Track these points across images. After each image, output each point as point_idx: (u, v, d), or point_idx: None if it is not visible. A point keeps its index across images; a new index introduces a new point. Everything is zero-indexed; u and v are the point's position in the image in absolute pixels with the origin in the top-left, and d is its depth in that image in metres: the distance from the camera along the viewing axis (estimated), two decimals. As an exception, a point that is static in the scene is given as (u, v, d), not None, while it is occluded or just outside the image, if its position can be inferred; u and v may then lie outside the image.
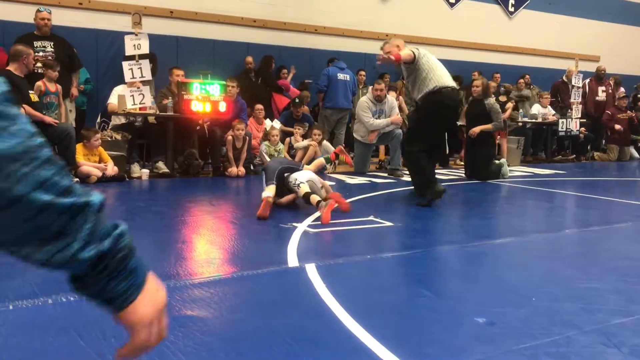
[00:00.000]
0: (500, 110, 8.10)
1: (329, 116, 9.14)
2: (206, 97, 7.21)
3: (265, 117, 8.85)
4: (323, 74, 9.21)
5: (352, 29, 11.26)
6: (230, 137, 7.48)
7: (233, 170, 7.41)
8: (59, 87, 6.64)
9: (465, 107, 8.26)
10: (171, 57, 9.16)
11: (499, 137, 9.91)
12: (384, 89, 7.87)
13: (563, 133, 10.93)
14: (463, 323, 2.43)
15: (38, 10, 6.94)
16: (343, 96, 8.92)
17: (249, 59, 9.70)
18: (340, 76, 9.07)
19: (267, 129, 8.15)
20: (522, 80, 12.00)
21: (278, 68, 10.07)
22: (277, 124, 8.52)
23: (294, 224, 4.35)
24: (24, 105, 5.81)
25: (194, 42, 9.68)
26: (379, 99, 7.84)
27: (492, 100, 8.02)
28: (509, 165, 9.89)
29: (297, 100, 8.82)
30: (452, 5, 12.56)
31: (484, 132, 7.80)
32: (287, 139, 8.23)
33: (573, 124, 10.93)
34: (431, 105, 5.39)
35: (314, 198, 4.75)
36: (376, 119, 7.89)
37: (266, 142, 7.95)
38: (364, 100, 8.05)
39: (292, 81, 10.16)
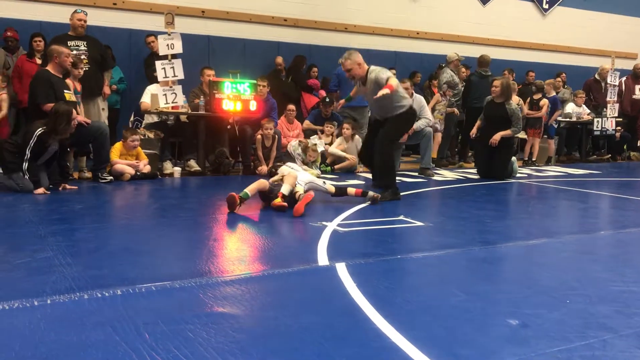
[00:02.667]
0: (520, 116, 7.94)
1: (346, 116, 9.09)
2: (237, 96, 7.27)
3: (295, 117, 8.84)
4: (333, 74, 9.16)
5: (382, 27, 11.23)
6: (259, 136, 7.53)
7: (263, 168, 7.45)
8: (78, 85, 6.71)
9: (486, 104, 8.08)
10: (203, 56, 9.26)
11: (531, 137, 9.76)
12: (409, 88, 7.74)
13: (598, 132, 10.70)
14: (495, 324, 2.40)
15: (75, 12, 7.08)
16: None
17: (279, 59, 9.73)
18: None
19: (309, 144, 8.03)
20: (559, 79, 11.77)
21: (309, 66, 10.09)
22: (320, 146, 8.30)
23: (324, 223, 4.35)
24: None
25: (225, 41, 9.76)
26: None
27: (514, 104, 7.86)
28: (542, 165, 9.78)
29: (327, 100, 8.82)
30: (484, 2, 12.41)
31: (502, 119, 7.67)
32: (322, 150, 8.21)
33: (609, 123, 10.70)
34: (406, 121, 6.01)
35: (298, 193, 4.89)
36: None
37: (295, 144, 7.95)
38: None
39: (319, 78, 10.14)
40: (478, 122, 8.08)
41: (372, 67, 5.84)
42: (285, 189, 4.90)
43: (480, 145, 8.01)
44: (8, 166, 5.55)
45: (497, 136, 7.57)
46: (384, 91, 5.31)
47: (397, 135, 6.05)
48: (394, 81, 5.55)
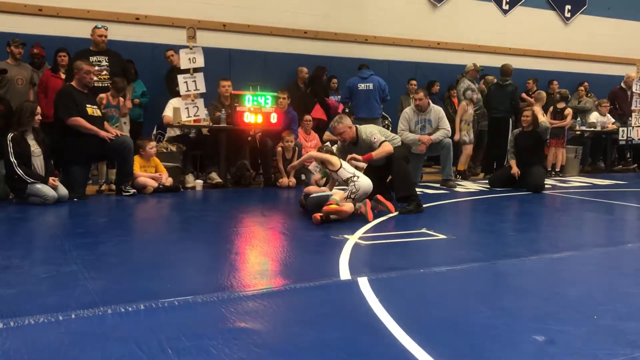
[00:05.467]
0: (549, 126, 7.96)
1: None
2: (258, 108, 7.31)
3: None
4: (345, 86, 9.17)
5: (402, 37, 11.20)
6: (280, 148, 7.55)
7: (284, 180, 7.47)
8: (121, 99, 6.86)
9: (515, 136, 8.04)
10: (224, 69, 9.33)
11: (554, 146, 9.65)
12: (422, 98, 7.66)
13: (624, 142, 10.52)
14: (521, 341, 2.36)
15: (96, 27, 7.17)
16: (364, 106, 8.80)
17: (304, 69, 9.73)
18: (361, 86, 8.94)
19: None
20: (582, 88, 11.62)
21: (329, 78, 10.10)
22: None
23: (345, 236, 4.33)
24: (76, 118, 6.04)
25: (246, 54, 9.83)
26: (420, 109, 7.70)
27: (543, 124, 7.83)
28: (566, 175, 9.65)
29: (347, 111, 8.81)
30: (505, 12, 12.34)
31: (535, 144, 7.67)
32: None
33: (634, 132, 10.52)
34: (400, 150, 6.10)
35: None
36: (419, 128, 7.75)
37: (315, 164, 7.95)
38: (406, 111, 7.95)
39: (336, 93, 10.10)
40: (513, 161, 7.81)
41: (361, 128, 6.01)
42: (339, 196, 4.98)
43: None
44: (16, 188, 5.62)
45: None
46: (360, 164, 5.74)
47: (404, 155, 6.09)
48: (380, 151, 5.77)
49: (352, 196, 5.09)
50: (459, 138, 8.68)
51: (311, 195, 5.19)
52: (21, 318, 2.47)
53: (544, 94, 9.97)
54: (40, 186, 5.57)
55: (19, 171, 5.51)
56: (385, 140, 5.82)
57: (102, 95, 6.64)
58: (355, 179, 5.15)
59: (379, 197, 5.40)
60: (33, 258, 3.63)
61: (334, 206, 4.79)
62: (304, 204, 5.29)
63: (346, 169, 5.26)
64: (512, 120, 9.32)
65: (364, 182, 5.17)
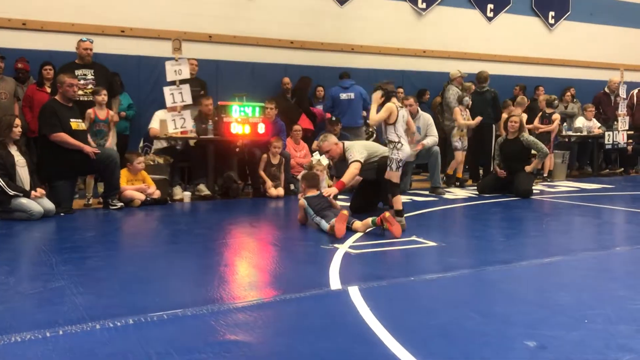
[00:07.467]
0: (537, 140, 8.00)
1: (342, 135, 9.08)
2: (245, 119, 7.28)
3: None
4: (327, 95, 9.23)
5: (389, 46, 11.26)
6: (265, 155, 7.52)
7: (272, 190, 7.43)
8: (111, 113, 6.80)
9: (500, 145, 8.05)
10: (211, 81, 9.31)
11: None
12: (413, 104, 7.71)
13: (610, 146, 10.61)
14: (513, 347, 2.36)
15: (81, 40, 7.12)
16: (347, 115, 8.87)
17: (286, 79, 9.77)
18: (343, 96, 9.00)
19: (313, 162, 8.06)
20: (568, 94, 11.73)
21: (314, 87, 10.12)
22: (324, 160, 8.34)
23: (335, 245, 4.32)
24: (59, 134, 6.00)
25: (233, 65, 9.82)
26: (410, 114, 7.72)
27: (526, 134, 7.89)
28: (554, 180, 9.71)
29: (333, 119, 8.82)
30: (490, 19, 12.45)
31: (521, 150, 7.72)
32: (328, 162, 8.20)
33: (620, 136, 10.61)
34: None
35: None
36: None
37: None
38: None
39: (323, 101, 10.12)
40: (497, 167, 7.85)
41: (346, 144, 5.97)
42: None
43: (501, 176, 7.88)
44: None
45: (529, 168, 7.66)
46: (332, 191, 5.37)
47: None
48: (352, 167, 5.59)
49: (399, 165, 5.15)
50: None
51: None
52: (8, 335, 2.43)
53: (525, 99, 10.08)
54: (25, 201, 5.50)
55: (1, 182, 5.43)
56: (355, 160, 5.68)
57: (89, 110, 6.58)
58: (399, 145, 5.16)
59: (389, 217, 4.79)
60: (19, 274, 3.58)
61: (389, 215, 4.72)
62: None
63: (396, 130, 5.21)
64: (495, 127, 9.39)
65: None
